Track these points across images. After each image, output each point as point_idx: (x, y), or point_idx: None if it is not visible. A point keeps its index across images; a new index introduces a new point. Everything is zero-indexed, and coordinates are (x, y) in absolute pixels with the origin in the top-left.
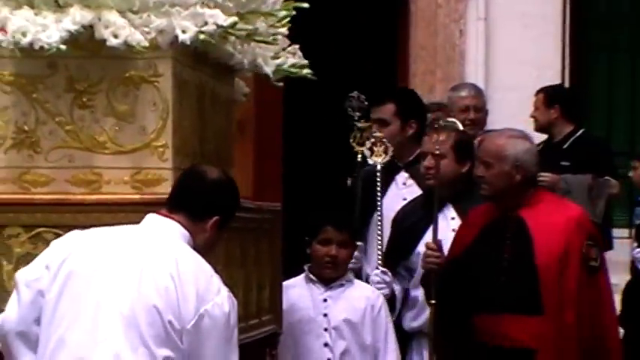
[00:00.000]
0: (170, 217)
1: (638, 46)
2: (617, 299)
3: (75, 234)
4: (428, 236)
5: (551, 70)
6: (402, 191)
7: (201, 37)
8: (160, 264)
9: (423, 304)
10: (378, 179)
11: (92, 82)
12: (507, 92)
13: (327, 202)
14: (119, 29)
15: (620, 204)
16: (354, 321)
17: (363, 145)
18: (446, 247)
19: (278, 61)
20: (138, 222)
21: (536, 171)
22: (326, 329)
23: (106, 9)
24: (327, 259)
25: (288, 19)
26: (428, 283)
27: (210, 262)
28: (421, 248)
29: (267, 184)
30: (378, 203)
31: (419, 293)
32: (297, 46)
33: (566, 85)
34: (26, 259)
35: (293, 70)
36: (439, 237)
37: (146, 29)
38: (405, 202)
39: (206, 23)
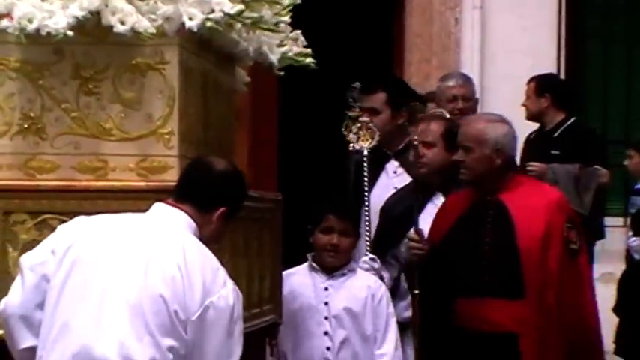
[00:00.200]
0: (177, 207)
1: (633, 35)
2: (613, 288)
3: (81, 220)
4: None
5: (546, 60)
6: (393, 180)
7: (208, 24)
8: (167, 253)
9: None
10: (365, 164)
11: (98, 69)
12: (502, 81)
13: (323, 191)
14: (126, 16)
15: (616, 193)
16: (354, 310)
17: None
18: None
19: (283, 49)
20: (143, 209)
21: (514, 155)
22: (326, 317)
23: None
24: (329, 248)
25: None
26: (411, 273)
27: (215, 253)
28: None
29: (262, 172)
30: (366, 188)
31: None
32: (299, 32)
33: (562, 74)
34: (32, 245)
35: (298, 58)
36: (429, 225)
37: (153, 16)
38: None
39: (213, 11)
